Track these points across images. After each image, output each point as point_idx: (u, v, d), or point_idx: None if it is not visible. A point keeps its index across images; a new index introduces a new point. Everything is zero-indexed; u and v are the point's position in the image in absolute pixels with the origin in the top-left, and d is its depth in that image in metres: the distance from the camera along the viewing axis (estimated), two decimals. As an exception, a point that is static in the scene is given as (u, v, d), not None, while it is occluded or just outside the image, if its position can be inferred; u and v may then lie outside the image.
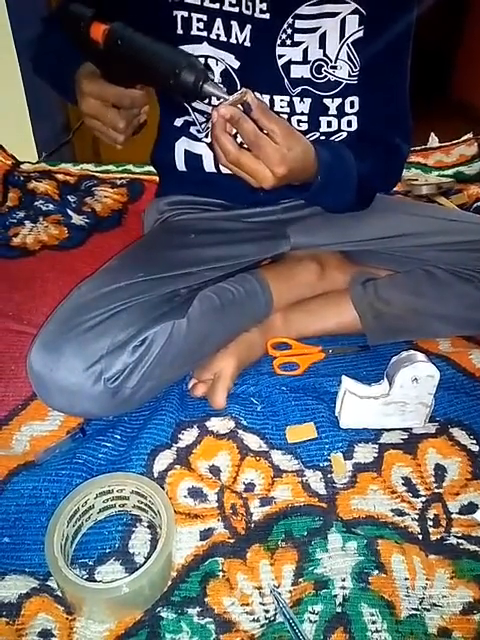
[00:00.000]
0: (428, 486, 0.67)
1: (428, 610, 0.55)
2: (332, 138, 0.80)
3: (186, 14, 0.72)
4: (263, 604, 0.56)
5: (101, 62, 0.61)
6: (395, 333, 0.86)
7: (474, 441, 0.72)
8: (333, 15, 0.72)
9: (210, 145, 0.81)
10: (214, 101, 0.73)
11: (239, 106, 0.58)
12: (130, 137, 0.66)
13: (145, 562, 0.53)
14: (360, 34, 0.74)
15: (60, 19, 0.61)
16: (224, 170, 0.81)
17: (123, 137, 0.64)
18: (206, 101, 0.75)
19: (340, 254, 0.91)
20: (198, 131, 0.82)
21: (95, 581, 0.57)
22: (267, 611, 0.55)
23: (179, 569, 0.58)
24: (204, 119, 0.80)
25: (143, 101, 0.63)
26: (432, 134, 1.54)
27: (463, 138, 1.51)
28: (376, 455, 0.70)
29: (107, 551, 0.60)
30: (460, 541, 0.61)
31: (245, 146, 0.60)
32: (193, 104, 0.78)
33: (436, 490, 0.67)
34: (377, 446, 0.71)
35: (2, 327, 0.88)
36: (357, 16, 0.72)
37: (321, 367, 0.84)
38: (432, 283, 0.82)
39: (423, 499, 0.65)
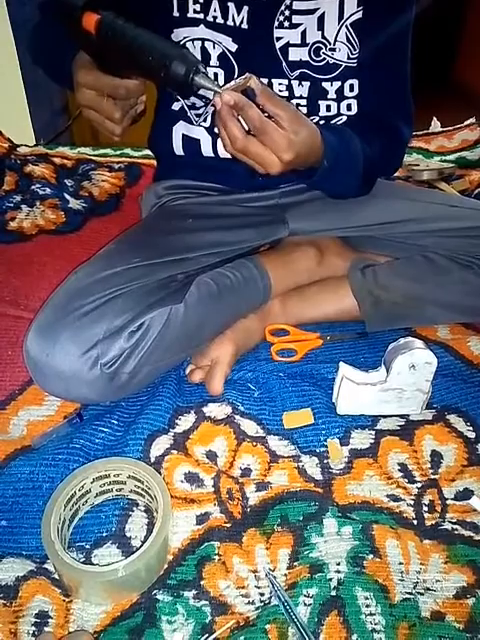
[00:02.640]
0: (424, 472, 0.67)
1: (422, 594, 0.56)
2: (332, 122, 0.79)
3: None
4: (258, 587, 0.56)
5: (94, 52, 0.60)
6: (394, 320, 0.85)
7: (471, 428, 0.72)
8: None
9: (208, 129, 0.80)
10: (207, 93, 0.72)
11: (242, 91, 0.57)
12: (128, 127, 0.65)
13: (141, 546, 0.54)
14: (359, 15, 0.72)
15: (53, 9, 0.60)
16: (222, 154, 0.81)
17: (120, 128, 0.63)
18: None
19: (339, 240, 0.90)
20: (196, 115, 0.80)
21: (92, 564, 0.57)
22: (262, 594, 0.56)
23: (175, 553, 0.59)
24: (202, 103, 0.79)
25: (139, 91, 0.61)
26: (434, 119, 1.52)
27: (465, 123, 1.49)
28: (372, 441, 0.70)
29: (104, 535, 0.60)
30: (455, 526, 0.62)
31: (250, 132, 0.59)
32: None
33: (432, 476, 0.67)
34: (374, 432, 0.71)
35: (-1, 312, 0.87)
36: None
37: (319, 353, 0.84)
38: (431, 269, 0.82)
39: (419, 485, 0.66)
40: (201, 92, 0.76)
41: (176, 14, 0.72)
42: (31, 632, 0.52)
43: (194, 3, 0.71)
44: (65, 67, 0.65)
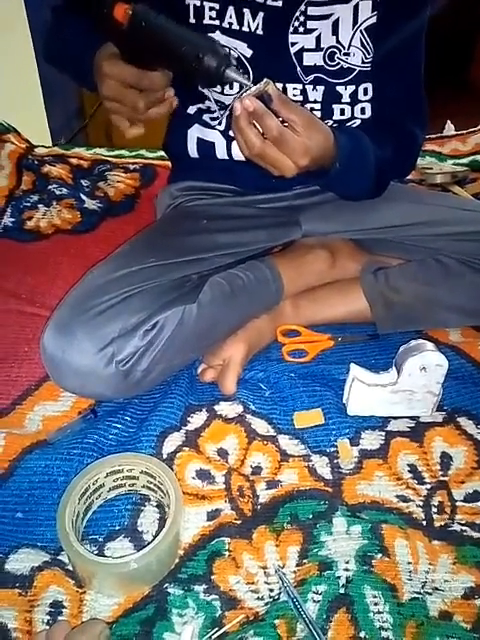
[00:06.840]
0: (434, 474, 0.68)
1: (430, 594, 0.56)
2: (345, 125, 0.79)
3: (198, 3, 0.72)
4: (268, 583, 0.57)
5: (123, 43, 0.61)
6: (405, 322, 0.86)
7: (481, 430, 0.72)
8: (346, 1, 0.71)
9: (223, 133, 0.81)
10: (234, 87, 0.73)
11: (259, 96, 0.58)
12: (150, 121, 0.66)
13: (153, 540, 0.55)
14: (373, 20, 0.73)
15: (80, 1, 0.62)
16: (236, 156, 0.82)
17: (141, 117, 0.64)
18: (221, 88, 0.75)
19: (351, 242, 0.91)
20: (211, 118, 0.82)
21: (105, 557, 0.58)
22: (271, 590, 0.57)
23: (186, 548, 0.60)
24: (217, 107, 0.80)
25: (163, 83, 0.62)
26: (448, 122, 1.51)
27: (480, 126, 1.48)
28: (382, 442, 0.71)
29: (116, 528, 0.61)
30: (464, 528, 0.62)
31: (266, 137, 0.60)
32: (209, 91, 0.78)
33: (441, 478, 0.67)
34: (384, 433, 0.72)
35: (16, 309, 0.89)
36: (370, 2, 0.72)
37: (330, 354, 0.84)
38: (443, 273, 0.82)
39: (428, 486, 0.66)
40: (216, 96, 0.77)
41: (192, 20, 0.73)
42: (46, 621, 0.54)
43: (210, 10, 0.72)
44: (85, 65, 0.66)
